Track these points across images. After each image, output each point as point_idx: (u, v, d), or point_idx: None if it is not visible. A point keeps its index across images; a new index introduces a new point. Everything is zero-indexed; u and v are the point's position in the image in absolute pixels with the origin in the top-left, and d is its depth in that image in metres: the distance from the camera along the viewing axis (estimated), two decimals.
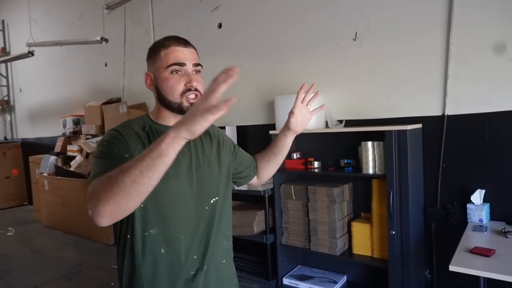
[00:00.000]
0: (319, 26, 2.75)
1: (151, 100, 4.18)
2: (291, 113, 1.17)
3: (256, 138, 3.17)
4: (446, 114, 2.23)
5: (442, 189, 2.27)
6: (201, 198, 1.04)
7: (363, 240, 2.39)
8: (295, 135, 1.21)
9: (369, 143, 2.27)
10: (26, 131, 6.74)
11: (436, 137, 2.28)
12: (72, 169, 4.28)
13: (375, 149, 2.26)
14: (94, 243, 4.06)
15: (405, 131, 2.07)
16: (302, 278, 2.65)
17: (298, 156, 2.74)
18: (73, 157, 4.63)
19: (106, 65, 4.75)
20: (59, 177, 4.52)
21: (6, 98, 7.00)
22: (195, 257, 1.02)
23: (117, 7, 4.01)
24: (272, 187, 2.69)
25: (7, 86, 6.97)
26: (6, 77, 6.95)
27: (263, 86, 3.11)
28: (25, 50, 5.12)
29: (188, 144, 0.88)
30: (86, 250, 3.88)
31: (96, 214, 0.76)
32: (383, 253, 2.28)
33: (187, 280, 1.01)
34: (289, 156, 2.72)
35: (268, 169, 1.28)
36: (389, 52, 2.44)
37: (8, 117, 7.17)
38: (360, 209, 2.60)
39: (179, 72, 0.99)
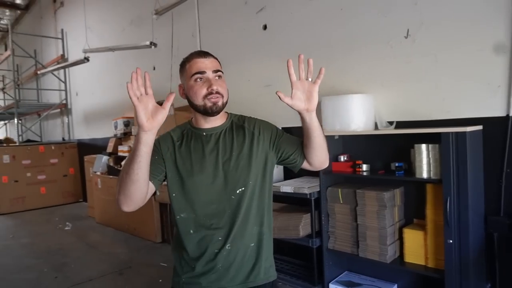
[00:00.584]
0: (368, 24, 2.65)
1: None
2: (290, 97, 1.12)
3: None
4: (511, 115, 2.06)
5: (506, 196, 2.10)
6: (227, 189, 1.18)
7: (416, 248, 2.27)
8: (313, 113, 1.12)
9: (423, 146, 2.15)
10: (82, 132, 7.18)
11: (499, 140, 2.10)
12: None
13: (430, 152, 2.13)
14: (143, 241, 4.22)
15: (464, 133, 1.94)
16: (350, 284, 2.57)
17: (345, 158, 2.66)
18: (124, 157, 4.85)
19: (154, 68, 4.93)
20: (110, 176, 4.76)
21: (64, 102, 7.51)
22: (220, 238, 1.18)
23: (165, 12, 4.14)
24: (318, 190, 2.63)
25: (65, 90, 7.47)
26: (65, 82, 7.45)
27: None
28: (81, 56, 5.46)
29: (216, 142, 1.21)
30: (135, 247, 4.04)
31: (117, 203, 1.12)
32: (438, 263, 2.15)
33: (210, 257, 1.18)
34: (336, 159, 2.66)
35: (309, 153, 1.21)
36: (444, 49, 2.30)
37: (66, 119, 7.68)
38: (413, 215, 2.47)
39: (201, 79, 1.16)
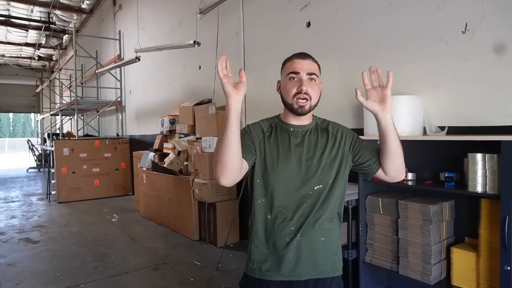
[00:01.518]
0: (420, 19, 2.41)
1: None
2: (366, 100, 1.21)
3: None
4: None
5: None
6: (306, 184, 1.25)
7: (466, 270, 2.00)
8: (388, 114, 1.22)
9: (479, 155, 1.88)
10: (133, 129, 7.52)
11: None
12: (165, 165, 4.58)
13: (487, 163, 1.86)
14: (181, 237, 4.27)
15: None
16: None
17: None
18: (168, 154, 4.96)
19: (200, 67, 4.99)
20: (154, 172, 4.89)
21: (119, 99, 7.92)
22: (292, 228, 1.25)
23: (210, 12, 4.15)
24: (357, 198, 2.44)
25: (120, 88, 7.87)
26: (120, 81, 7.85)
27: (352, 87, 2.86)
28: (133, 56, 5.69)
29: (302, 139, 1.29)
30: (173, 243, 4.10)
31: (215, 177, 1.18)
32: None
33: (282, 245, 1.25)
34: None
35: (384, 160, 1.28)
36: (509, 45, 2.00)
37: (120, 116, 8.10)
38: (463, 233, 2.19)
39: (295, 79, 1.25)
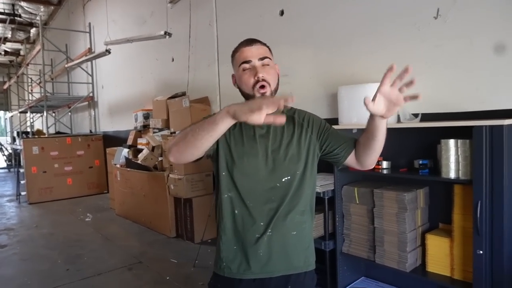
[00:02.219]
0: (392, 5, 2.38)
1: (213, 94, 4.15)
2: (372, 100, 1.01)
3: None
4: None
5: None
6: (274, 176, 1.18)
7: (441, 256, 2.00)
8: (386, 119, 1.06)
9: (452, 141, 1.87)
10: (107, 125, 7.28)
11: None
12: (139, 161, 4.44)
13: (459, 149, 1.85)
14: (157, 235, 4.16)
15: (501, 126, 1.65)
16: None
17: None
18: (142, 150, 4.81)
19: (173, 60, 4.85)
20: (128, 169, 4.74)
21: (91, 95, 7.65)
22: (261, 223, 1.18)
23: (182, 2, 4.02)
24: (333, 188, 2.41)
25: (92, 83, 7.59)
26: (91, 75, 7.57)
27: (326, 76, 2.83)
28: (104, 49, 5.48)
29: (268, 129, 1.21)
30: (149, 241, 3.98)
31: (167, 151, 1.15)
32: (467, 275, 1.87)
33: (251, 241, 1.19)
34: None
35: (365, 153, 1.21)
36: (482, 31, 2.00)
37: (92, 112, 7.83)
38: (438, 220, 2.19)
39: (248, 68, 1.18)
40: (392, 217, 2.12)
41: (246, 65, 1.18)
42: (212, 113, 1.13)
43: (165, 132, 4.53)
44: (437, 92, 2.18)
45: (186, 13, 4.35)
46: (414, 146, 2.25)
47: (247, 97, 1.20)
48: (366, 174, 2.45)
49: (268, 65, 1.18)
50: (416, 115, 2.21)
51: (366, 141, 1.17)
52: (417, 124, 2.11)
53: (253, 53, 1.18)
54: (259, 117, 0.92)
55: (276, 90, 1.21)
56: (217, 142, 1.19)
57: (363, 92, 2.24)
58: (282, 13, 3.18)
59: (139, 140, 5.12)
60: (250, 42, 1.21)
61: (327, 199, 2.41)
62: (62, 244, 4.00)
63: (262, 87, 1.15)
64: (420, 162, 2.07)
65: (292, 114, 1.28)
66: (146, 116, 5.17)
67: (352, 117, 2.30)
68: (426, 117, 2.19)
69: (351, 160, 1.26)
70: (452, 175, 1.87)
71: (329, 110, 2.81)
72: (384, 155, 2.30)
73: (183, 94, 4.42)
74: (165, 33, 3.95)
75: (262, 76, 1.15)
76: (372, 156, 1.21)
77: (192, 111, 3.96)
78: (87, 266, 3.34)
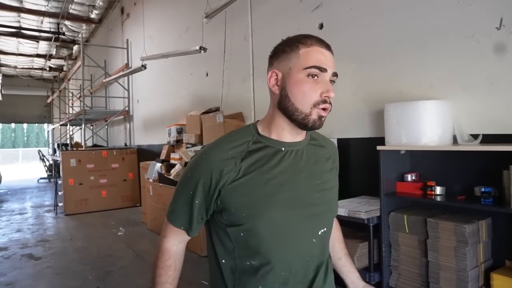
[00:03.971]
0: (446, 15, 2.17)
1: (247, 110, 4.05)
2: None
3: (362, 154, 2.70)
4: None
5: None
6: (310, 228, 0.90)
7: None
8: None
9: None
10: (141, 139, 7.38)
11: None
12: (171, 177, 4.39)
13: None
14: (188, 253, 3.97)
15: None
16: None
17: (413, 178, 2.19)
18: (175, 165, 4.77)
19: (207, 75, 4.82)
20: (161, 184, 4.71)
21: (127, 109, 7.81)
22: None
23: (217, 17, 3.98)
24: (378, 214, 2.20)
25: (128, 97, 7.76)
26: (128, 90, 7.75)
27: (371, 92, 2.64)
28: (140, 64, 5.56)
29: (298, 163, 0.90)
30: None
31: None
32: None
33: None
34: (401, 178, 2.21)
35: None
36: None
37: (127, 126, 7.98)
38: (503, 256, 1.92)
39: (317, 78, 0.85)
40: (449, 251, 1.88)
41: (317, 72, 0.85)
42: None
43: (198, 147, 4.47)
44: (500, 110, 1.95)
45: (221, 28, 4.32)
46: (473, 171, 2.02)
47: (293, 113, 0.87)
48: (416, 201, 2.22)
49: (334, 83, 0.90)
50: (475, 136, 1.97)
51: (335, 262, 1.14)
52: (477, 147, 1.88)
53: (329, 62, 0.86)
54: None
55: None
56: (218, 199, 0.87)
57: (413, 110, 2.05)
58: (321, 26, 3.04)
59: (172, 155, 5.09)
60: (327, 45, 0.89)
61: (372, 226, 2.20)
62: (94, 259, 3.98)
63: (324, 109, 0.86)
64: (483, 189, 1.83)
65: (322, 144, 1.01)
66: (180, 131, 5.15)
67: (401, 137, 2.10)
68: (487, 138, 1.95)
69: None
70: None
71: (373, 128, 2.62)
72: (437, 180, 2.09)
73: (217, 109, 4.36)
74: (200, 48, 3.92)
75: (332, 98, 0.86)
76: None
77: (226, 127, 3.87)
78: (116, 284, 3.27)
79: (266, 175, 0.87)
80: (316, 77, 0.85)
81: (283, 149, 0.91)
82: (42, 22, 9.43)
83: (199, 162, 0.89)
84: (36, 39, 10.72)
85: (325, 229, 0.94)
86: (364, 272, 2.24)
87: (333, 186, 0.99)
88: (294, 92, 0.86)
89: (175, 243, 0.97)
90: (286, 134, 0.91)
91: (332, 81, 0.88)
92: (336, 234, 1.16)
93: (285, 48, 0.88)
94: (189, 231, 0.94)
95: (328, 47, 0.89)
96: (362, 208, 2.27)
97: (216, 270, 0.94)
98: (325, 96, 0.85)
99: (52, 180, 12.11)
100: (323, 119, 0.88)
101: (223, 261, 0.91)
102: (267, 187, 0.86)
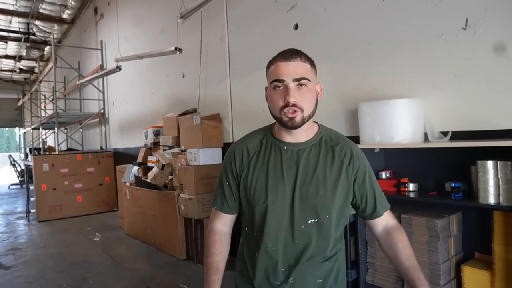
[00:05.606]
0: (416, 16, 2.23)
1: (224, 110, 4.03)
2: None
3: None
4: None
5: None
6: (300, 216, 1.06)
7: None
8: None
9: (490, 163, 1.69)
10: (117, 142, 7.22)
11: None
12: (148, 180, 4.32)
13: (499, 171, 1.67)
14: (167, 257, 3.99)
15: None
16: None
17: (387, 175, 2.24)
18: (152, 168, 4.69)
19: (183, 76, 4.77)
20: (138, 188, 4.61)
21: (102, 111, 7.63)
22: (282, 269, 1.09)
23: (192, 18, 3.95)
24: (354, 212, 2.22)
25: (103, 100, 7.59)
26: (103, 92, 7.57)
27: (345, 91, 2.68)
28: (114, 65, 5.44)
29: (298, 161, 1.08)
30: (158, 263, 3.81)
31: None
32: None
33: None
34: (377, 175, 2.24)
35: (382, 247, 1.21)
36: None
37: (103, 129, 7.80)
38: (473, 249, 1.99)
39: (280, 88, 1.03)
40: (422, 246, 1.92)
41: (278, 83, 1.04)
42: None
43: (176, 149, 4.41)
44: (468, 108, 2.01)
45: (197, 29, 4.28)
46: (444, 168, 2.08)
47: (275, 118, 1.09)
48: (391, 198, 2.25)
49: (305, 86, 1.03)
50: (445, 133, 2.03)
51: (392, 260, 1.16)
52: (447, 143, 1.93)
53: (289, 71, 1.02)
54: None
55: (311, 115, 1.08)
56: (239, 183, 1.13)
57: (386, 108, 2.09)
58: (296, 27, 3.06)
59: (149, 158, 5.01)
60: (289, 56, 1.05)
61: (349, 224, 2.23)
62: (68, 266, 3.86)
63: (293, 111, 1.02)
64: (453, 185, 1.89)
65: (333, 145, 1.13)
66: (157, 133, 5.07)
67: (375, 135, 2.13)
68: (456, 135, 2.01)
69: (370, 224, 1.20)
70: (492, 200, 1.69)
71: (348, 127, 2.65)
72: (410, 177, 2.14)
73: (194, 110, 4.32)
74: (176, 49, 3.87)
75: (294, 101, 1.01)
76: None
77: (203, 128, 3.84)
78: None
79: (268, 169, 1.09)
80: (279, 88, 1.04)
81: (285, 147, 1.11)
82: (10, 22, 9.09)
83: (227, 154, 1.18)
84: (4, 39, 10.32)
85: (315, 220, 1.06)
86: None
87: (334, 183, 1.08)
88: (269, 102, 1.09)
89: (218, 224, 1.18)
90: (285, 134, 1.11)
91: (300, 85, 1.03)
92: (399, 239, 1.16)
93: (266, 69, 1.11)
94: (222, 208, 1.16)
95: (290, 56, 1.04)
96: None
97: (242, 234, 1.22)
98: (286, 101, 1.02)
99: (24, 186, 11.69)
100: (293, 119, 1.03)
101: (246, 228, 1.18)
102: (268, 178, 1.08)
